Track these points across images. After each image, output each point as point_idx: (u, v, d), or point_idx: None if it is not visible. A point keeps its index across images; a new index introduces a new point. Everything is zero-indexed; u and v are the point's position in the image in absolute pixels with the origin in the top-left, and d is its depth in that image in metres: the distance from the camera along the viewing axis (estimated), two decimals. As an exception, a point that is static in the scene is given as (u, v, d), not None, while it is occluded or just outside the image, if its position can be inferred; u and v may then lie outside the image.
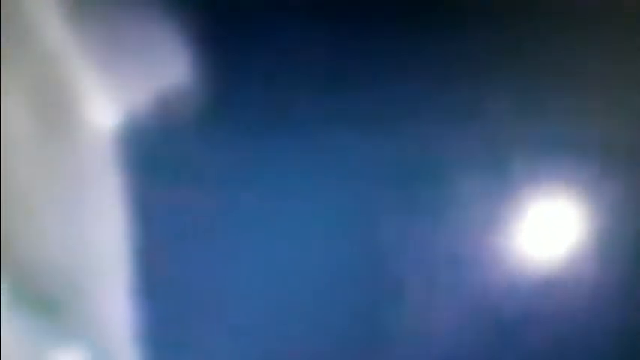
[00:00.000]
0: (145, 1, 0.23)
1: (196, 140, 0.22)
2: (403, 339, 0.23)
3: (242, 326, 0.23)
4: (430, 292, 0.22)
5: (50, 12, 0.23)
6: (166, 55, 0.22)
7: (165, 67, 0.22)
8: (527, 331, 0.23)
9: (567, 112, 0.22)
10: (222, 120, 0.22)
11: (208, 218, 0.23)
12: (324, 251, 0.22)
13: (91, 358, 0.24)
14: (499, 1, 0.23)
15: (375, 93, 0.22)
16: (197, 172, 0.22)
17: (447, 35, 0.23)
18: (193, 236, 0.23)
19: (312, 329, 0.23)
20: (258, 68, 0.22)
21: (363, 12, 0.23)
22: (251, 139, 0.22)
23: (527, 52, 0.23)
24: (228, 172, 0.22)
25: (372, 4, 0.23)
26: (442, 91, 0.22)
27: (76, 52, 0.23)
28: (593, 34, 0.23)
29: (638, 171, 0.23)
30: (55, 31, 0.23)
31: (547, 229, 0.23)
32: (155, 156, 0.23)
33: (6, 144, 0.24)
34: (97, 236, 0.23)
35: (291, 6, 0.23)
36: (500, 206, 0.22)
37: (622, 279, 0.23)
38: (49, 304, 0.24)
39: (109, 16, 0.23)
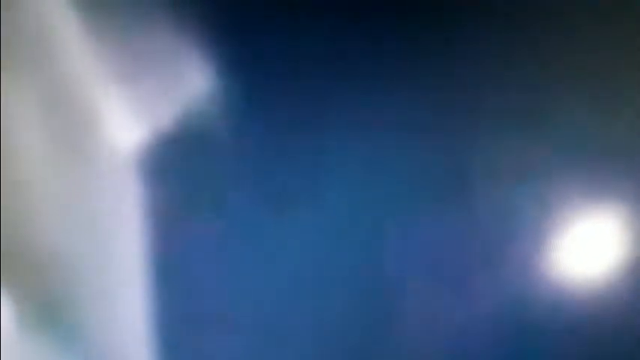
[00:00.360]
0: (162, 17, 0.23)
1: (218, 156, 0.22)
2: (422, 346, 0.23)
3: (254, 335, 0.23)
4: (455, 298, 0.22)
5: (69, 32, 0.23)
6: (186, 70, 0.22)
7: (185, 83, 0.22)
8: (559, 339, 0.22)
9: (597, 115, 0.22)
10: (244, 136, 0.22)
11: (230, 236, 0.22)
12: (345, 260, 0.22)
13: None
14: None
15: (398, 96, 0.22)
16: (219, 188, 0.22)
17: (452, 38, 0.23)
18: (213, 256, 0.23)
19: (328, 337, 0.23)
20: (281, 80, 0.22)
21: (378, 13, 0.23)
22: (275, 153, 0.22)
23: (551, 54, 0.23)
24: (250, 189, 0.22)
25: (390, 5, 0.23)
26: (469, 96, 0.22)
27: (95, 71, 0.23)
28: (617, 33, 0.23)
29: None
30: (73, 51, 0.23)
31: (580, 236, 0.22)
32: (176, 172, 0.23)
33: (26, 165, 0.24)
34: (118, 256, 0.23)
35: (315, 15, 0.23)
36: (527, 212, 0.22)
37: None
38: (62, 324, 0.24)
39: (127, 34, 0.23)
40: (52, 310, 0.24)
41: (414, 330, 0.22)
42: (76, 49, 0.23)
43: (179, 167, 0.23)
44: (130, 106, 0.23)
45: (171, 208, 0.23)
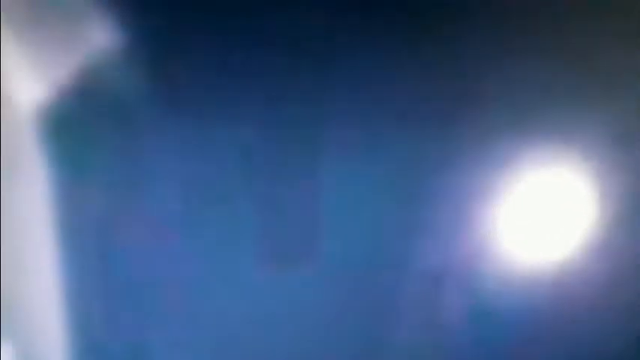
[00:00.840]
0: None
1: (124, 118, 0.21)
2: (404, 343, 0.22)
3: (184, 327, 0.22)
4: (427, 287, 0.22)
5: None
6: (93, 27, 0.21)
7: (91, 41, 0.21)
8: (530, 332, 0.22)
9: (575, 101, 0.22)
10: (150, 97, 0.21)
11: (133, 198, 0.22)
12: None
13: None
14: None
15: (366, 89, 0.22)
16: (123, 150, 0.21)
17: (448, 28, 0.22)
18: (119, 219, 0.22)
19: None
20: (198, 44, 0.21)
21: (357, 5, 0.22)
22: (182, 117, 0.21)
23: (530, 43, 0.22)
24: (156, 150, 0.21)
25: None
26: (441, 82, 0.22)
27: None
28: (605, 20, 0.22)
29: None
30: None
31: (549, 223, 0.22)
32: (79, 134, 0.21)
33: None
34: (21, 224, 0.22)
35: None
36: (494, 198, 0.22)
37: (628, 275, 0.22)
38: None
39: None
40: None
41: (404, 324, 0.22)
42: None
43: (86, 129, 0.22)
44: (34, 67, 0.22)
45: (79, 177, 0.22)
